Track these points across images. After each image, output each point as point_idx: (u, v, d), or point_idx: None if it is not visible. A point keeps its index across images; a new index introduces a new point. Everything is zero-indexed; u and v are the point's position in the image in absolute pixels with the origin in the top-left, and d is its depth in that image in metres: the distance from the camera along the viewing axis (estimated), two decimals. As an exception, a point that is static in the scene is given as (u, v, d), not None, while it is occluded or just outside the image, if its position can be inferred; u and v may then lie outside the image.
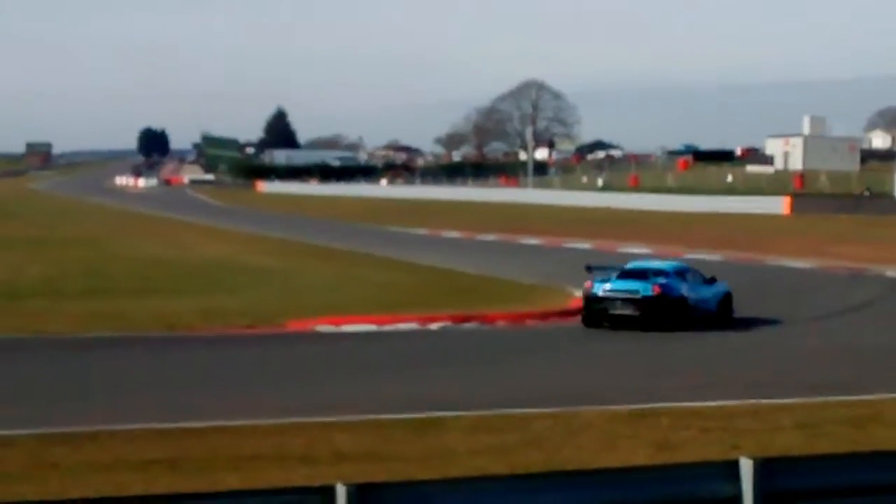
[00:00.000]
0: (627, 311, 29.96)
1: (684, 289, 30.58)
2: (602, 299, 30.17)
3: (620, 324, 29.88)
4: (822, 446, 14.97)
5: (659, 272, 31.33)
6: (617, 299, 30.05)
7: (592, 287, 30.46)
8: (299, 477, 13.44)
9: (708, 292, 31.47)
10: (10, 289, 37.05)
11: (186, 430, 16.20)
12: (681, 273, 31.61)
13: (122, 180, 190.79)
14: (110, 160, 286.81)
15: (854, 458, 9.62)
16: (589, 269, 32.03)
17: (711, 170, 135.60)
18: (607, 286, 30.34)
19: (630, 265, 32.45)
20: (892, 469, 9.45)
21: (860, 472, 9.37)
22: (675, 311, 30.01)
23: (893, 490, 9.32)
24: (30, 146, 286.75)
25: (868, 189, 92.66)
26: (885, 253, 53.51)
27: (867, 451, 10.76)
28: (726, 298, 31.91)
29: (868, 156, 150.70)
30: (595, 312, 30.28)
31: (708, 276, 32.32)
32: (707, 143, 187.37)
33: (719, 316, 31.23)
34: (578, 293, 37.58)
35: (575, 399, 19.03)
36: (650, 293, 29.95)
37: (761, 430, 16.54)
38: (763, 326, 31.60)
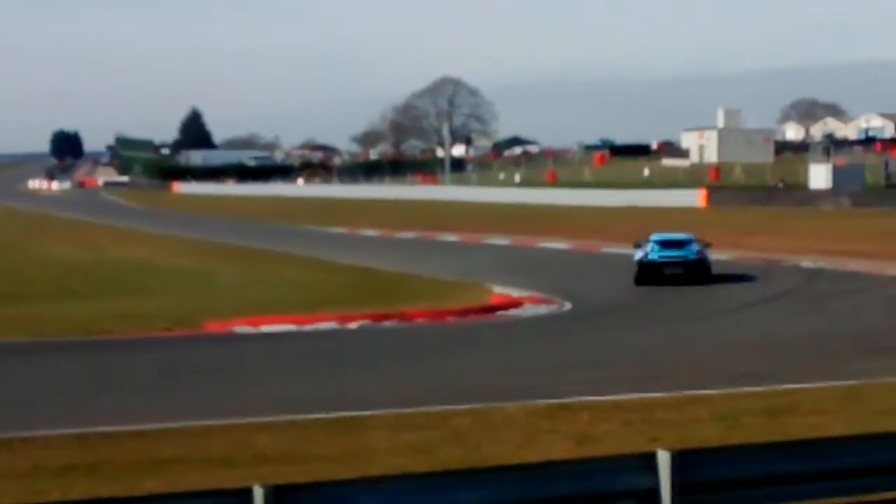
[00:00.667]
0: (677, 272, 39.60)
1: (705, 253, 40.81)
2: (658, 264, 39.77)
3: (669, 281, 39.20)
4: (739, 437, 15.09)
5: (688, 242, 41.29)
6: (670, 263, 39.75)
7: (648, 255, 40.15)
8: (219, 480, 13.35)
9: (707, 254, 40.88)
10: (-78, 295, 36.51)
11: (104, 435, 16.04)
12: (696, 241, 41.54)
13: (36, 183, 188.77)
14: (23, 163, 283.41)
15: (769, 448, 9.70)
16: (636, 245, 41.82)
17: (628, 164, 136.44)
18: (658, 254, 40.16)
19: (660, 237, 41.65)
20: (805, 458, 9.56)
21: (775, 462, 9.45)
22: (705, 270, 40.05)
23: (807, 479, 9.42)
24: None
25: (782, 180, 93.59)
26: (799, 243, 54.08)
27: (782, 441, 10.87)
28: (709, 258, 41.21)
29: (782, 147, 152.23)
30: (649, 273, 39.77)
31: (703, 243, 41.70)
32: (623, 138, 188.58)
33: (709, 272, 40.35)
34: (498, 290, 37.79)
35: (495, 395, 19.05)
36: (694, 257, 40.17)
37: (680, 422, 16.65)
38: (681, 318, 31.85)
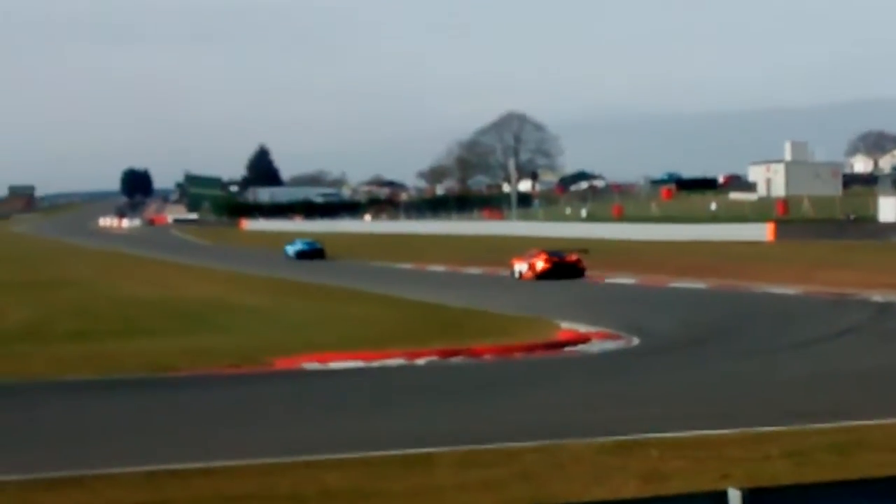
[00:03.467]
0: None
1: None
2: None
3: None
4: (810, 474, 14.95)
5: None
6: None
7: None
8: (287, 517, 13.35)
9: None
10: (-6, 333, 36.91)
11: (173, 473, 16.09)
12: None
13: (106, 221, 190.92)
14: (94, 201, 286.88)
15: (840, 486, 9.58)
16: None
17: (695, 198, 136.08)
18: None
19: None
20: (877, 496, 9.44)
21: (846, 500, 9.35)
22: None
23: (881, 518, 9.30)
24: (13, 189, 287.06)
25: (853, 213, 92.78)
26: (869, 277, 53.60)
27: (853, 479, 10.75)
28: None
29: (850, 180, 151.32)
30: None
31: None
32: (690, 172, 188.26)
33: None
34: (565, 325, 37.72)
35: (564, 432, 18.97)
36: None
37: (751, 459, 16.50)
38: (751, 353, 31.61)
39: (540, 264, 62.04)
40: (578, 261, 62.51)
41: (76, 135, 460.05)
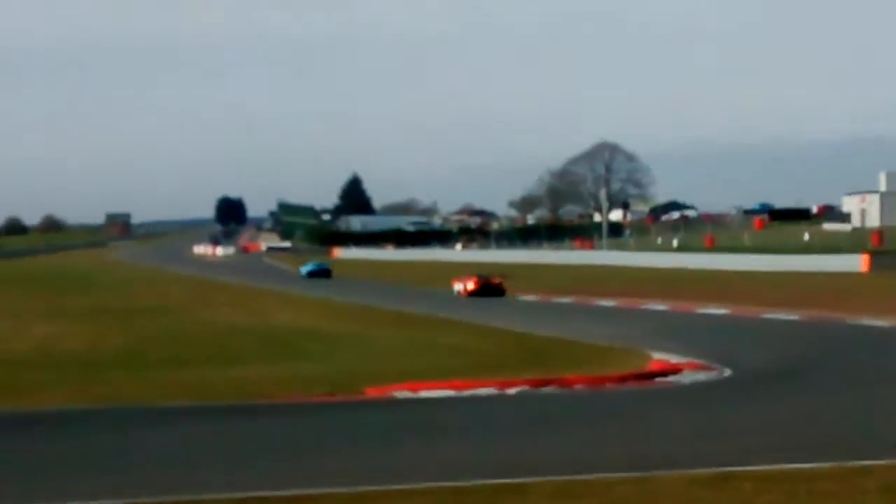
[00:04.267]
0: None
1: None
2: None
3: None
4: (908, 509, 14.77)
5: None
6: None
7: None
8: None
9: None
10: (91, 359, 37.48)
11: (263, 500, 16.21)
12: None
13: (201, 249, 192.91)
14: (188, 229, 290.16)
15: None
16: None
17: (788, 228, 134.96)
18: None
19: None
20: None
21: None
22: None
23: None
24: (109, 217, 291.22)
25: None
26: (967, 310, 52.77)
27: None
28: None
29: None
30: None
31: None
32: (783, 202, 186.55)
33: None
34: (657, 356, 37.55)
35: (656, 463, 18.89)
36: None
37: (846, 493, 16.33)
38: (845, 385, 31.28)
39: (471, 285, 78.14)
40: (500, 283, 78.56)
41: (171, 163, 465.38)
